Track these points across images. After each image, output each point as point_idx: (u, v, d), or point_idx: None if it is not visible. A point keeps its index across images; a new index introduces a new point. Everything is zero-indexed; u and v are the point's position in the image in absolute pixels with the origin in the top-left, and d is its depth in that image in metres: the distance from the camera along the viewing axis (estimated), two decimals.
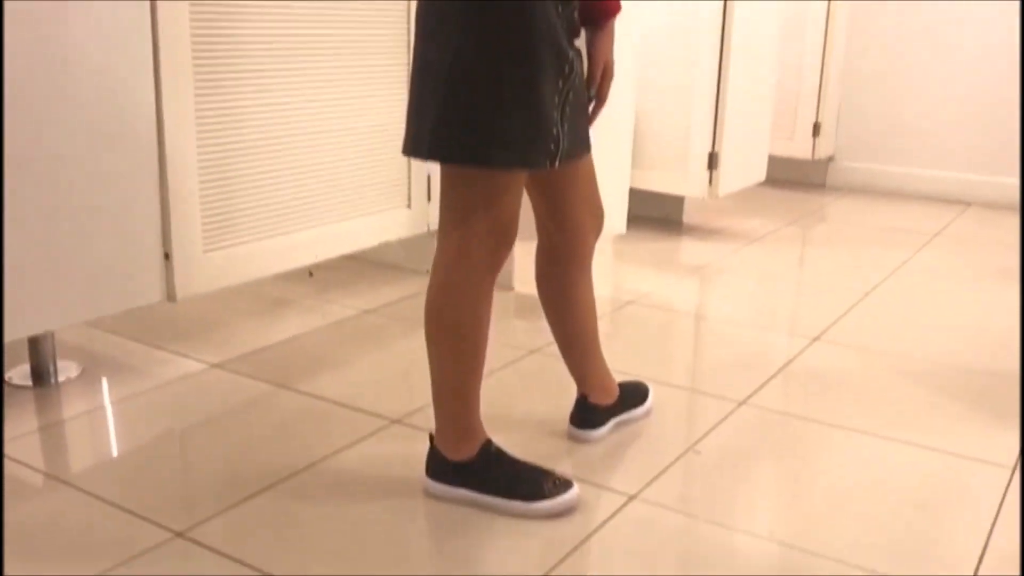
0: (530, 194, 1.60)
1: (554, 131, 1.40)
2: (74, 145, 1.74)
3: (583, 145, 1.52)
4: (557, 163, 1.42)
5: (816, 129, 4.27)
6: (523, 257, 2.46)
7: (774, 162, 4.03)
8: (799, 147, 4.31)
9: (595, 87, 1.54)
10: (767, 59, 3.48)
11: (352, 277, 2.72)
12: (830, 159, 4.50)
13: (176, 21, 1.87)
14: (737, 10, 3.17)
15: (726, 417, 1.86)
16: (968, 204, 4.15)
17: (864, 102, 4.38)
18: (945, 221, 3.82)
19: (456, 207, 1.42)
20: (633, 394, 1.83)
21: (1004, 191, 4.09)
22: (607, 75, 1.55)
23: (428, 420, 1.55)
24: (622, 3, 1.56)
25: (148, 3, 1.81)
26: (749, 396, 1.96)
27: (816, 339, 2.34)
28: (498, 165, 1.36)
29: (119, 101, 1.80)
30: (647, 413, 1.84)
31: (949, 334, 2.43)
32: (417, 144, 1.39)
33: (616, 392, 1.78)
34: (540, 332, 2.29)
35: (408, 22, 2.48)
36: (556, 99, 1.39)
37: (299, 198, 2.27)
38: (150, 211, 1.91)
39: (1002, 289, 2.85)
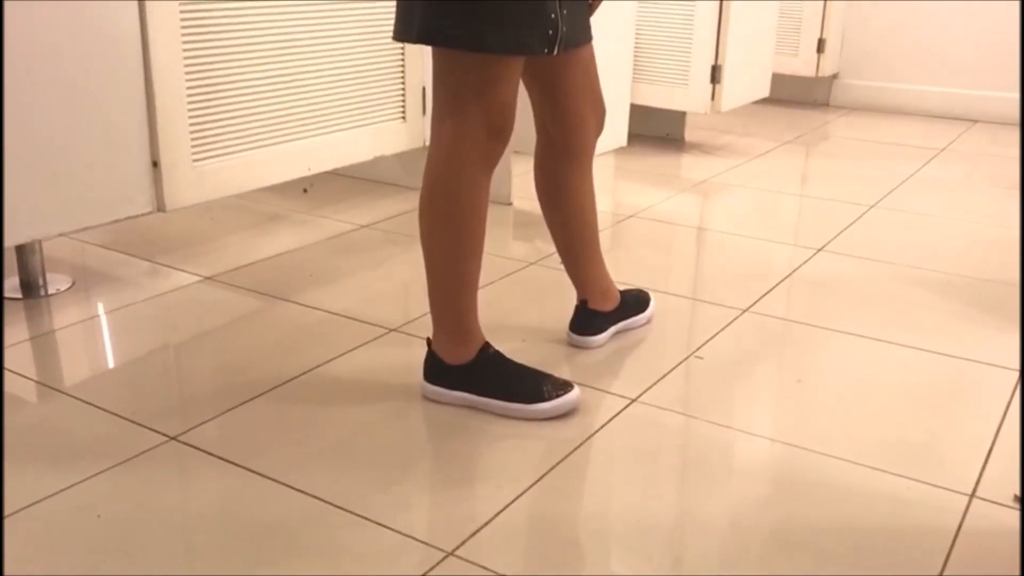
0: (527, 86, 1.54)
1: (552, 16, 1.34)
2: (58, 55, 1.68)
3: (584, 33, 1.46)
4: (556, 50, 1.37)
5: (820, 46, 4.17)
6: (522, 175, 2.41)
7: (778, 80, 3.95)
8: (803, 64, 4.21)
9: None
10: None
11: (347, 193, 2.67)
12: (835, 76, 4.40)
13: None
14: None
15: (729, 324, 1.83)
16: (974, 121, 4.08)
17: (869, 18, 4.27)
18: (951, 137, 3.75)
19: (449, 95, 1.36)
20: (635, 302, 1.80)
21: (1010, 107, 4.01)
22: None
23: (426, 328, 1.51)
24: None
25: None
26: (752, 304, 1.93)
27: (820, 249, 2.30)
28: (493, 49, 1.30)
29: (102, 10, 1.73)
30: (648, 321, 1.81)
31: (956, 243, 2.39)
32: (406, 27, 1.33)
33: (617, 299, 1.74)
34: (538, 246, 2.25)
35: None
36: None
37: (290, 108, 2.20)
38: (137, 119, 1.85)
39: (1010, 200, 2.80)
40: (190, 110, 1.95)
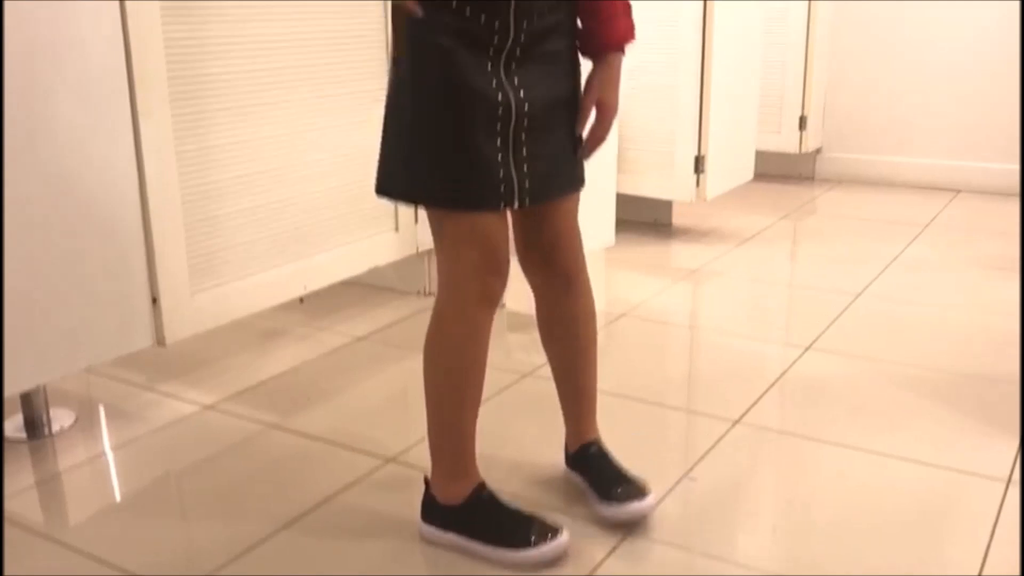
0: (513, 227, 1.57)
1: (500, 173, 1.37)
2: (55, 197, 1.74)
3: (563, 185, 1.48)
4: (518, 203, 1.40)
5: (802, 123, 4.26)
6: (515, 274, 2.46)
7: (762, 156, 4.03)
8: (786, 141, 4.30)
9: (581, 126, 1.47)
10: (751, 58, 3.47)
11: (343, 301, 2.72)
12: (818, 151, 4.49)
13: (151, 62, 1.86)
14: (718, 10, 3.16)
15: (721, 438, 1.86)
16: (957, 191, 4.15)
17: (849, 93, 4.37)
18: (935, 209, 3.82)
19: (442, 244, 1.42)
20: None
21: (992, 177, 4.09)
22: (603, 115, 1.47)
23: (425, 456, 1.54)
24: (629, 35, 1.47)
25: (122, 48, 1.80)
26: (743, 414, 1.96)
27: (808, 348, 2.34)
28: (443, 205, 1.38)
29: (99, 150, 1.79)
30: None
31: (943, 335, 2.43)
32: (384, 184, 1.43)
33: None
34: (532, 357, 2.29)
35: (386, 46, 2.47)
36: (497, 141, 1.36)
37: (285, 231, 2.26)
38: (135, 257, 1.90)
39: (996, 283, 2.86)
40: (188, 244, 2.01)
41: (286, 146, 2.22)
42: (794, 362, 2.25)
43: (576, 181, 1.51)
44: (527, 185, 1.40)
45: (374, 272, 2.60)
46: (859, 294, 2.75)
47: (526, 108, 1.37)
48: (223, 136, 2.06)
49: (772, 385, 2.12)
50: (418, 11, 1.34)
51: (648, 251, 3.29)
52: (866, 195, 4.17)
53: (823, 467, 1.76)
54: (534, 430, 1.91)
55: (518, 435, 1.89)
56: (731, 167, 3.46)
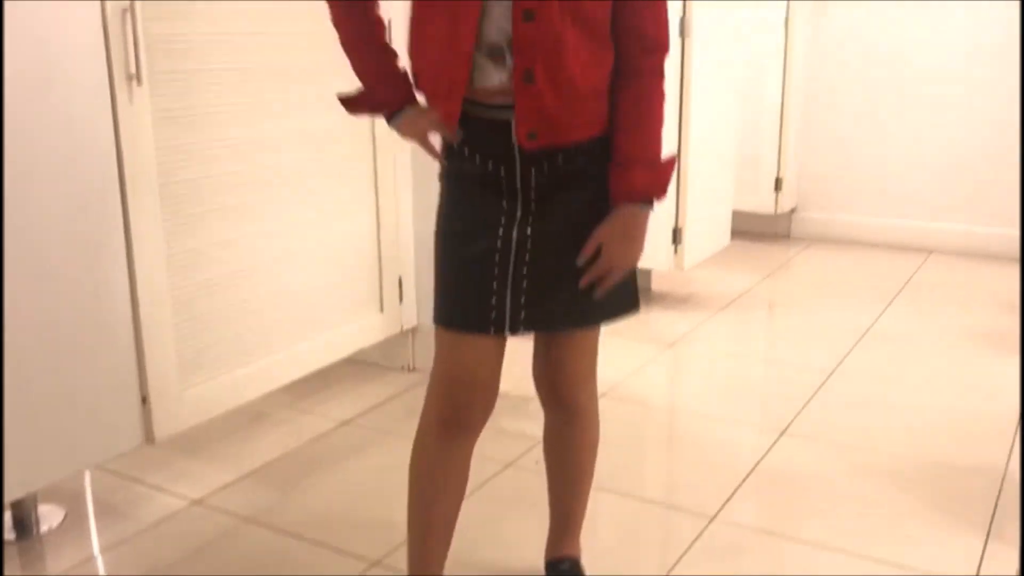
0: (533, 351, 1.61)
1: (492, 299, 1.41)
2: (46, 302, 1.78)
3: (568, 321, 1.48)
4: (509, 331, 1.44)
5: (778, 184, 4.36)
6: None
7: (739, 215, 4.11)
8: (762, 202, 4.39)
9: (582, 260, 1.42)
10: (726, 130, 3.56)
11: (327, 378, 2.75)
12: (793, 210, 4.59)
13: (143, 168, 1.90)
14: (695, 80, 3.24)
15: (698, 537, 1.92)
16: (929, 252, 4.25)
17: (823, 154, 4.47)
18: (907, 273, 3.91)
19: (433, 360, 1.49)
20: None
21: (963, 239, 4.19)
22: (603, 262, 1.41)
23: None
24: (648, 189, 1.41)
25: (114, 151, 1.85)
26: (719, 510, 2.02)
27: (783, 432, 2.40)
28: (437, 321, 1.46)
29: (90, 253, 1.84)
30: None
31: (914, 419, 2.50)
32: None
33: None
34: (516, 445, 2.33)
35: (372, 142, 2.53)
36: (495, 270, 1.40)
37: (274, 321, 2.31)
38: (126, 358, 1.94)
39: (966, 359, 2.93)
40: (178, 343, 2.05)
41: (274, 241, 2.28)
42: (768, 450, 2.31)
43: (589, 318, 1.49)
44: (522, 315, 1.42)
45: (359, 350, 2.64)
46: (832, 372, 2.82)
47: (529, 245, 1.41)
48: (213, 236, 2.11)
49: (747, 477, 2.18)
50: (442, 160, 1.48)
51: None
52: (840, 255, 4.26)
53: (793, 568, 1.81)
54: (515, 527, 1.96)
55: (498, 533, 1.94)
56: (709, 235, 3.54)
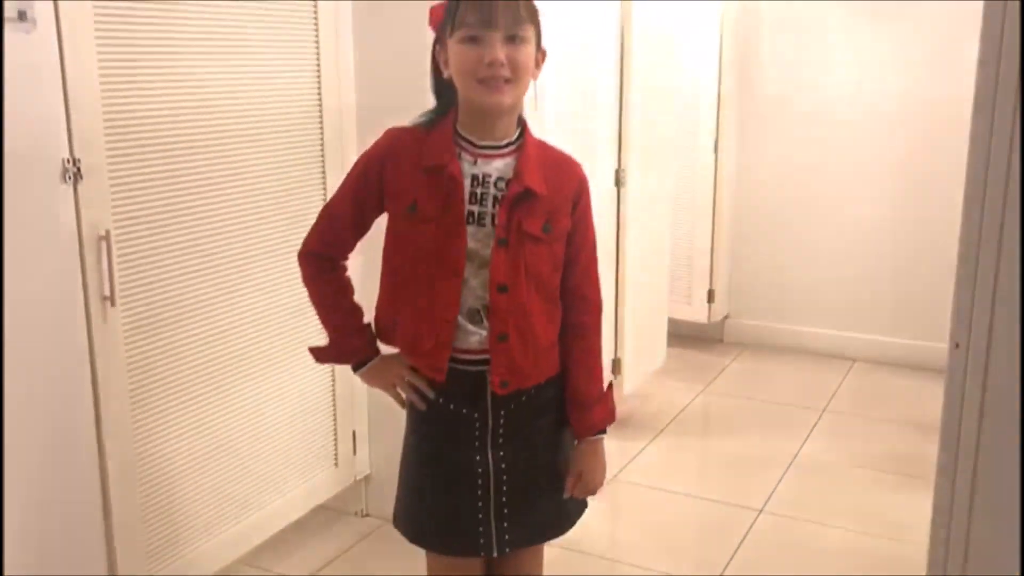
0: None
1: (479, 528, 1.61)
2: (18, 494, 1.88)
3: (540, 533, 1.71)
4: (496, 552, 1.63)
5: (711, 296, 4.59)
6: None
7: (673, 322, 4.32)
8: (696, 311, 4.61)
9: (568, 494, 1.70)
10: (659, 266, 3.79)
11: (284, 530, 2.84)
12: (726, 317, 4.82)
13: (115, 372, 2.02)
14: (629, 227, 3.44)
15: None
16: (853, 360, 4.50)
17: (754, 265, 4.72)
18: (832, 384, 4.15)
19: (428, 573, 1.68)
20: None
21: (882, 349, 4.45)
22: (584, 486, 1.69)
23: None
24: (606, 420, 1.70)
25: (88, 365, 1.97)
26: None
27: None
28: (427, 547, 1.64)
29: (61, 453, 1.95)
30: None
31: (837, 562, 2.69)
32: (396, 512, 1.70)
33: None
34: None
35: None
36: (478, 503, 1.61)
37: (236, 494, 2.42)
38: (95, 545, 2.04)
39: (886, 493, 3.15)
40: (145, 527, 2.15)
41: (240, 418, 2.40)
42: None
43: (561, 527, 1.74)
44: (507, 537, 1.64)
45: None
46: (761, 510, 3.01)
47: (505, 477, 1.63)
48: (181, 426, 2.22)
49: None
50: (409, 404, 1.66)
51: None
52: (770, 364, 4.49)
53: None
54: None
55: None
56: (646, 360, 3.74)
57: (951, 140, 4.13)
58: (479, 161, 1.57)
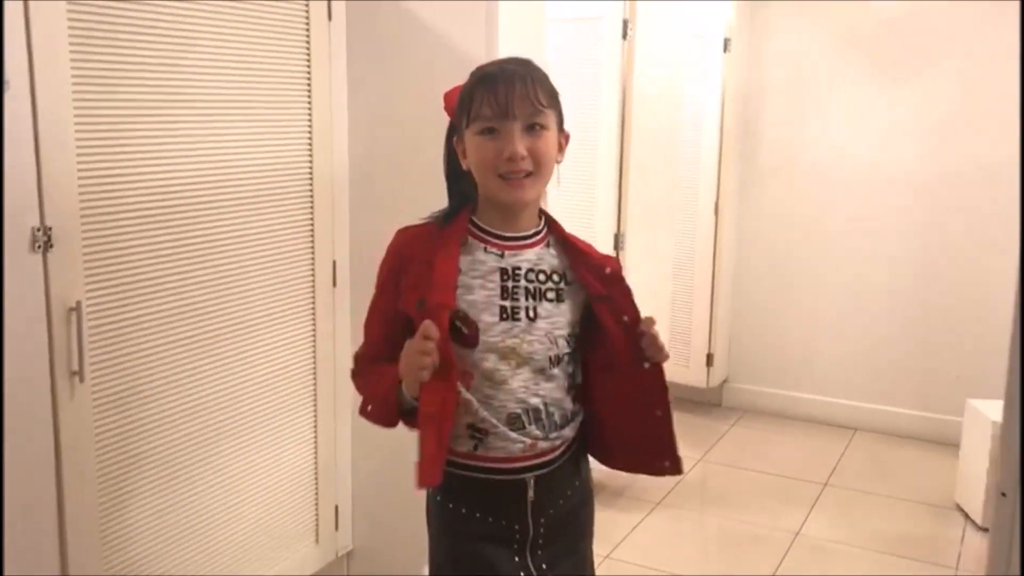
0: None
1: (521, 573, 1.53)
2: None
3: None
4: None
5: (709, 360, 4.48)
6: None
7: (671, 385, 4.19)
8: (694, 375, 4.51)
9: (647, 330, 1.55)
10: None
11: None
12: (725, 381, 4.71)
13: (81, 452, 1.91)
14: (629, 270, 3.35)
15: None
16: (855, 430, 4.38)
17: (753, 330, 4.62)
18: (834, 456, 4.03)
19: None
20: None
21: (886, 419, 4.34)
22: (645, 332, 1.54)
23: None
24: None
25: (52, 443, 1.85)
26: None
27: None
28: None
29: (20, 538, 1.82)
30: None
31: None
32: None
33: None
34: None
35: (314, 369, 2.56)
36: None
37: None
38: None
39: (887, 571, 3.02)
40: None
41: (215, 497, 2.27)
42: None
43: None
44: None
45: None
46: None
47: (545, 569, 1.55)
48: (148, 508, 2.10)
49: None
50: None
51: None
52: (769, 431, 4.37)
53: None
54: None
55: None
56: None
57: (957, 207, 4.07)
58: (507, 253, 1.50)
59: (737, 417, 4.57)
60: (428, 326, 1.40)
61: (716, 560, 3.18)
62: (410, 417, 1.51)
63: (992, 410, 3.33)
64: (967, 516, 3.44)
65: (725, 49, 4.21)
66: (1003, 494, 0.93)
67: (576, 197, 2.99)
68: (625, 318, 1.53)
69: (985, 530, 3.32)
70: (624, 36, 3.16)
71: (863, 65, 4.21)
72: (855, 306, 4.37)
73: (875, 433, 4.33)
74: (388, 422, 1.54)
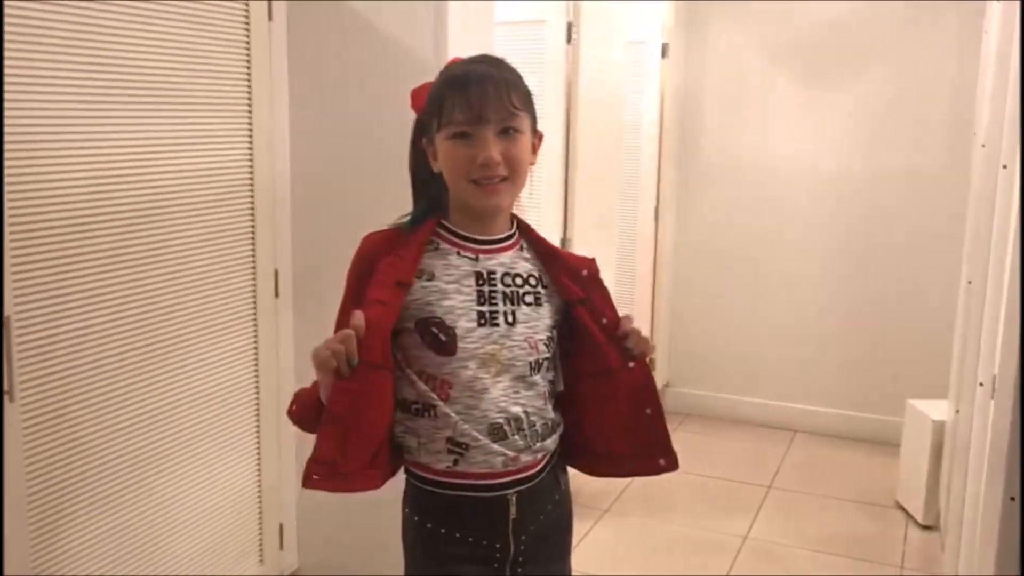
0: None
1: None
2: None
3: None
4: None
5: (651, 364, 4.47)
6: None
7: None
8: None
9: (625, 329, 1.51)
10: None
11: None
12: (666, 385, 4.71)
13: (11, 479, 1.79)
14: None
15: None
16: (794, 432, 4.42)
17: (694, 334, 4.64)
18: (775, 459, 4.05)
19: None
20: None
21: (823, 420, 4.39)
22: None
23: None
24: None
25: None
26: None
27: None
28: None
29: None
30: None
31: None
32: None
33: None
34: None
35: (256, 383, 2.46)
36: None
37: None
38: None
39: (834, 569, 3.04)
40: None
41: (158, 517, 2.17)
42: None
43: None
44: None
45: None
46: None
47: None
48: (85, 533, 1.99)
49: None
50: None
51: None
52: (712, 435, 4.39)
53: None
54: None
55: None
56: None
57: (893, 208, 4.13)
58: (481, 257, 1.46)
59: (679, 421, 4.58)
60: (355, 315, 1.32)
61: (666, 566, 3.16)
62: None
63: (932, 409, 3.38)
64: (908, 515, 3.49)
65: (663, 54, 4.22)
66: (1012, 498, 0.91)
67: (522, 201, 2.93)
68: (605, 320, 1.49)
69: (927, 527, 3.38)
70: (568, 40, 3.13)
71: (798, 69, 4.26)
72: (794, 309, 4.41)
73: (815, 435, 4.38)
74: (306, 425, 1.44)
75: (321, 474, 1.33)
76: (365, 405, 1.35)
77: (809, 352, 4.40)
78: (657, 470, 1.55)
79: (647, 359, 1.53)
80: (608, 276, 3.69)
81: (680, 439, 4.22)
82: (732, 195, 4.47)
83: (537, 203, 3.07)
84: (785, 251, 4.39)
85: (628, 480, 3.81)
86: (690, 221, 4.57)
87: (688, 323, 4.64)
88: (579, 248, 3.29)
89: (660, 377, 4.58)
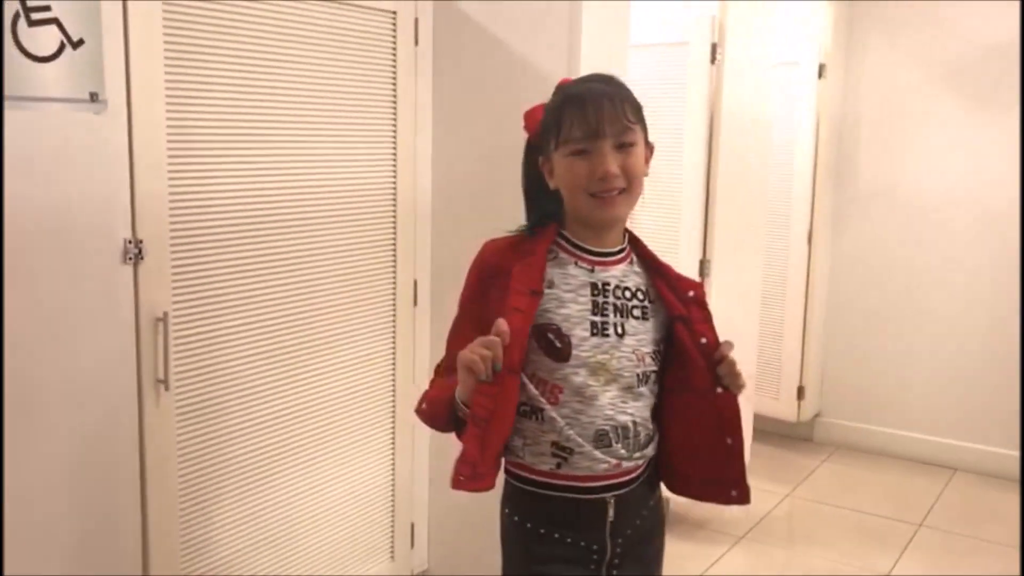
0: None
1: None
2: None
3: None
4: None
5: (800, 392, 4.36)
6: None
7: (761, 418, 4.11)
8: (784, 408, 4.39)
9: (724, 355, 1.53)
10: (748, 358, 3.60)
11: None
12: (816, 415, 4.57)
13: (164, 458, 1.97)
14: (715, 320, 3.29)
15: None
16: (954, 470, 4.19)
17: (847, 364, 4.48)
18: (929, 497, 3.86)
19: None
20: None
21: (988, 460, 4.14)
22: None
23: None
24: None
25: (137, 452, 1.92)
26: None
27: None
28: None
29: (105, 543, 1.88)
30: None
31: None
32: None
33: None
34: None
35: (393, 383, 2.59)
36: None
37: None
38: None
39: None
40: None
41: (292, 509, 2.31)
42: None
43: None
44: None
45: None
46: None
47: None
48: (228, 516, 2.15)
49: None
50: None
51: None
52: (862, 469, 4.22)
53: None
54: None
55: None
56: None
57: None
58: (596, 268, 1.51)
59: (829, 453, 4.43)
60: (499, 323, 1.38)
61: None
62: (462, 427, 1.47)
63: None
64: None
65: (820, 75, 4.14)
66: None
67: (661, 222, 2.96)
68: (703, 340, 1.51)
69: None
70: (712, 60, 3.13)
71: (963, 94, 4.07)
72: (952, 341, 4.19)
73: (977, 473, 4.14)
74: (436, 423, 1.51)
75: (467, 474, 1.40)
76: (503, 408, 1.42)
77: (969, 387, 4.16)
78: (727, 500, 1.56)
79: (738, 391, 1.53)
80: (752, 300, 3.66)
81: (829, 471, 4.14)
82: (890, 222, 4.30)
83: (675, 224, 3.08)
84: (944, 281, 4.19)
85: (768, 508, 3.73)
86: (844, 246, 4.43)
87: (841, 352, 4.49)
88: (719, 271, 3.27)
89: (810, 407, 4.45)
